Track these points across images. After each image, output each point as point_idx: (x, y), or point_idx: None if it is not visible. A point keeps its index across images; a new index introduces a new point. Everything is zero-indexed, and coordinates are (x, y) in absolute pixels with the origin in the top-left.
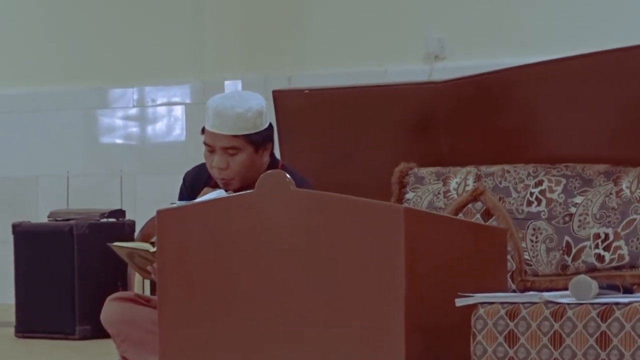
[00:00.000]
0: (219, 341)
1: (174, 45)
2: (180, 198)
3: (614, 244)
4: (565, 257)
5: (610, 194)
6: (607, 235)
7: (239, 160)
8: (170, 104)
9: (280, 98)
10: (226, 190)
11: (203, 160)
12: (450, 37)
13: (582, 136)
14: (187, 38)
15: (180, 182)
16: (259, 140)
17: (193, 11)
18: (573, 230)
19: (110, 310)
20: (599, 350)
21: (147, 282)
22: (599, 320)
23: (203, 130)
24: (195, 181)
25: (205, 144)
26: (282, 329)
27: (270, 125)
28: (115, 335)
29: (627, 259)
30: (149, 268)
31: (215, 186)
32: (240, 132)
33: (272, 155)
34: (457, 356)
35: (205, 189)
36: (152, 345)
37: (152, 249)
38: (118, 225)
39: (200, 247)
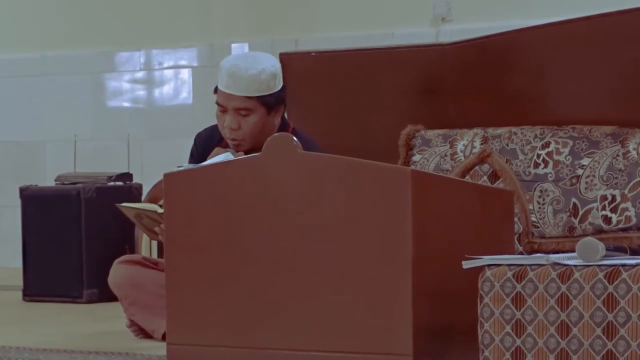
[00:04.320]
0: (226, 304)
1: (181, 7)
2: (191, 159)
3: (621, 206)
4: (572, 219)
5: (618, 155)
6: (614, 197)
7: (251, 122)
8: (177, 67)
9: (287, 61)
10: (237, 151)
11: (210, 124)
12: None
13: (589, 98)
14: (194, 0)
15: (188, 144)
16: (272, 102)
17: None
18: (580, 192)
19: (118, 273)
20: (606, 312)
21: (155, 245)
22: (605, 282)
23: (216, 90)
24: (208, 142)
25: (217, 104)
26: (288, 293)
27: (284, 87)
28: (123, 298)
29: (634, 220)
30: (156, 229)
31: (227, 147)
32: (253, 94)
33: (283, 118)
34: (465, 319)
35: (217, 149)
36: (160, 308)
37: (160, 210)
38: (125, 189)
39: (207, 211)
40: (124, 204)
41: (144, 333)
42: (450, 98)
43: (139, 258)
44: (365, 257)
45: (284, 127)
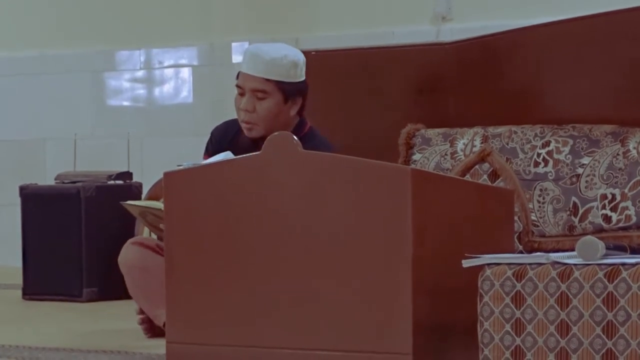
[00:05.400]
0: (226, 303)
1: (181, 6)
2: (205, 153)
3: (621, 205)
4: (572, 218)
5: (618, 154)
6: (614, 196)
7: (265, 106)
8: (177, 66)
9: None
10: (249, 136)
11: (209, 122)
12: None
13: (589, 97)
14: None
15: (189, 142)
16: (290, 90)
17: None
18: (580, 191)
19: (129, 253)
20: (606, 311)
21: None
22: (605, 281)
23: (238, 76)
24: (223, 137)
25: (237, 86)
26: (288, 291)
27: (305, 82)
28: (130, 279)
29: (634, 219)
30: (161, 226)
31: (243, 142)
32: (271, 77)
33: (301, 115)
34: (465, 317)
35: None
36: (164, 296)
37: None
38: (125, 188)
39: (207, 210)
40: (128, 202)
41: (153, 332)
42: (451, 97)
43: (153, 243)
44: (365, 256)
45: (301, 124)
